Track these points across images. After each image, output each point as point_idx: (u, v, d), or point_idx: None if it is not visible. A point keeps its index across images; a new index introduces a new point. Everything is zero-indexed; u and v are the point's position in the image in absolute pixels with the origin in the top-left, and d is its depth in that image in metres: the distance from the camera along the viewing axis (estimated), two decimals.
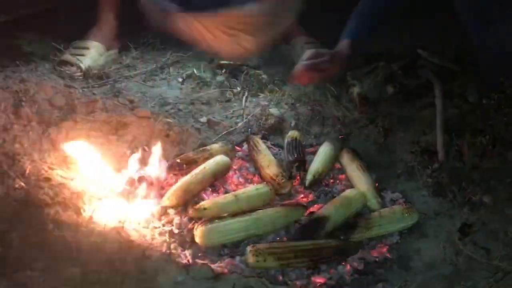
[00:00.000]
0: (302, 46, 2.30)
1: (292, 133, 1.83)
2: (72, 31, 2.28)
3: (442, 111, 1.75)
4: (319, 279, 1.32)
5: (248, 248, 1.33)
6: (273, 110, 2.01)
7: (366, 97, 1.98)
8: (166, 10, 1.56)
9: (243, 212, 1.48)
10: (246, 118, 1.98)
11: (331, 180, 1.71)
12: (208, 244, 1.40)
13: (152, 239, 1.40)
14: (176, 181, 1.63)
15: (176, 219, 1.49)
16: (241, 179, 1.71)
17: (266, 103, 2.06)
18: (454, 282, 1.28)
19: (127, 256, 1.28)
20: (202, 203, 1.51)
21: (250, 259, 1.31)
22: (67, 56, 2.15)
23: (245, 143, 1.86)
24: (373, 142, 1.83)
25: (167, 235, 1.43)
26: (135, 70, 2.23)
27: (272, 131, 1.94)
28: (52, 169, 1.58)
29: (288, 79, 2.00)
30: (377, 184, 1.64)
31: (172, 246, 1.39)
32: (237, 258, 1.36)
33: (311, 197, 1.63)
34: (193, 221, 1.47)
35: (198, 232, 1.40)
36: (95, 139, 1.75)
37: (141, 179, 1.59)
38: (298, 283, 1.30)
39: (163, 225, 1.48)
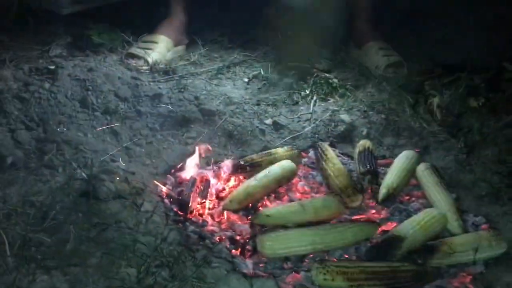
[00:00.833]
0: (377, 52, 2.22)
1: (364, 142, 1.72)
2: (142, 24, 2.30)
3: None
4: None
5: (316, 265, 1.24)
6: (344, 116, 1.91)
7: (448, 109, 1.86)
8: None
9: (308, 224, 1.41)
10: (313, 123, 1.89)
11: (407, 197, 1.59)
12: (271, 255, 1.32)
13: (213, 243, 1.32)
14: (239, 184, 1.58)
15: (237, 225, 1.43)
16: (306, 188, 1.62)
17: (336, 108, 1.96)
18: None
19: (186, 260, 1.21)
20: (265, 209, 1.46)
21: (317, 276, 1.22)
22: (134, 49, 2.16)
23: (311, 149, 1.78)
24: (453, 158, 1.71)
25: (227, 240, 1.36)
26: (201, 67, 2.21)
27: (341, 139, 1.84)
28: (114, 161, 1.56)
29: None
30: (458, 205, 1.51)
31: (232, 253, 1.31)
32: (302, 273, 1.27)
33: (384, 213, 1.52)
34: (255, 228, 1.40)
35: (261, 241, 1.32)
36: (158, 133, 1.73)
37: (202, 179, 1.54)
38: None
39: (223, 230, 1.41)
